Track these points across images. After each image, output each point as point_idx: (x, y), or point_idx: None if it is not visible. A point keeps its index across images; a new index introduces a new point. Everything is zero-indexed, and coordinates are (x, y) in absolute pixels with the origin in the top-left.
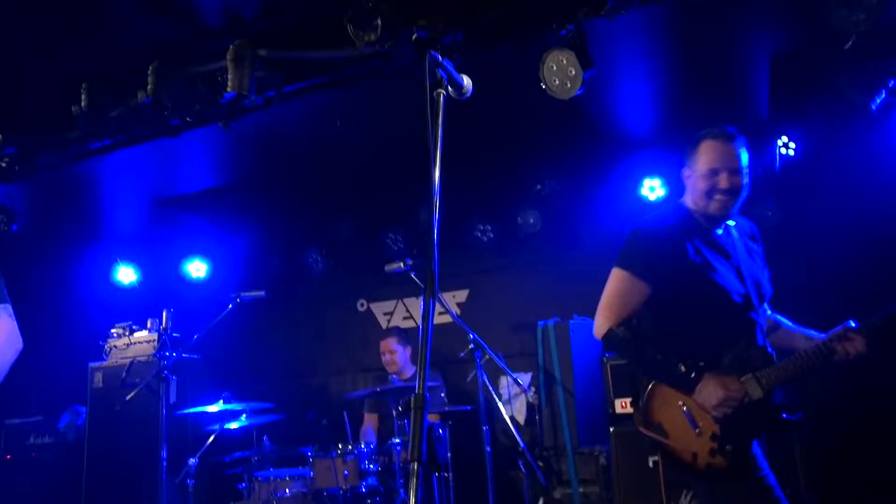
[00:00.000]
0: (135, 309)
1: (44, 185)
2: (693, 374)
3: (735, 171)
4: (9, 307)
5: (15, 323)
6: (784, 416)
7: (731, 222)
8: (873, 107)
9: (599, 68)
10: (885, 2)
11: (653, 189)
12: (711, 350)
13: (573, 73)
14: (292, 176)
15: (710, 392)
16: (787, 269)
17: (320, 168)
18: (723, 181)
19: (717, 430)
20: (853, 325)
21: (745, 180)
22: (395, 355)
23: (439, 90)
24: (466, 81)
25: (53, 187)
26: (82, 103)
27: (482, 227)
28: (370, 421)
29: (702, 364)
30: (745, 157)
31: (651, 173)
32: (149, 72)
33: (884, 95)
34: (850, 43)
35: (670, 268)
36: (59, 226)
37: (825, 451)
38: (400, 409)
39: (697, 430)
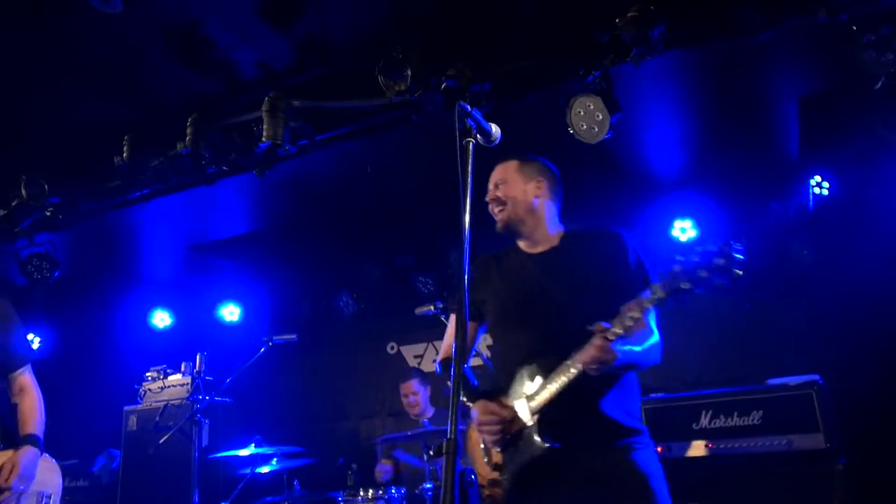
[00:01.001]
0: (169, 352)
1: (84, 232)
2: (471, 399)
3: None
4: (30, 366)
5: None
6: (549, 443)
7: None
8: None
9: (627, 112)
10: None
11: (684, 230)
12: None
13: (600, 117)
14: (323, 220)
15: (475, 417)
16: (823, 308)
17: (351, 212)
18: None
19: (499, 459)
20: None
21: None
22: (418, 396)
23: (468, 139)
24: (495, 129)
25: (93, 235)
26: (124, 154)
27: None
28: (387, 465)
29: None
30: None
31: (682, 215)
32: (188, 124)
33: None
34: (879, 84)
35: None
36: (98, 272)
37: None
38: (431, 453)
39: (486, 459)
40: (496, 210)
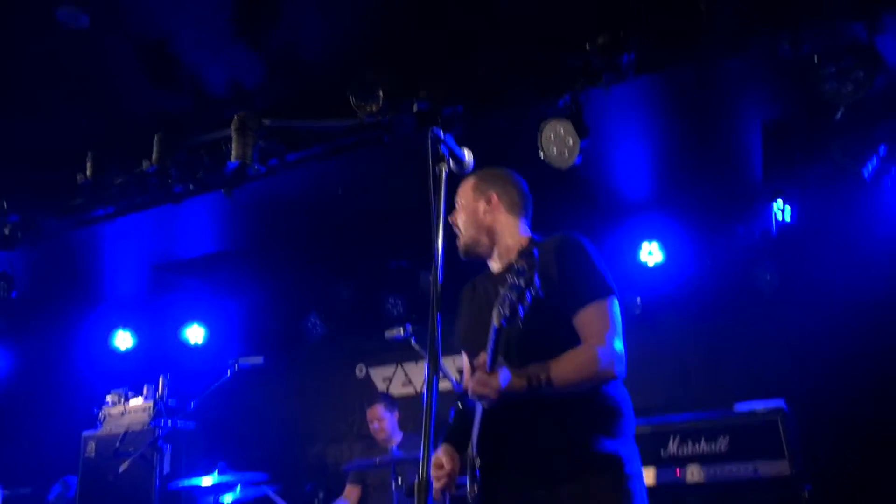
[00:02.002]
0: (131, 375)
1: (44, 250)
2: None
3: None
4: None
5: None
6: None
7: None
8: (865, 174)
9: (596, 135)
10: (871, 75)
11: (651, 253)
12: None
13: (571, 142)
14: (292, 241)
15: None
16: (787, 332)
17: (320, 233)
18: None
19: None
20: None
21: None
22: (384, 423)
23: (441, 165)
24: (467, 155)
25: (54, 253)
26: (87, 172)
27: None
28: (352, 493)
29: None
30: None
31: (649, 237)
32: (154, 141)
33: (875, 163)
34: (839, 114)
35: None
36: (58, 291)
37: None
38: (400, 484)
39: None
40: (457, 236)
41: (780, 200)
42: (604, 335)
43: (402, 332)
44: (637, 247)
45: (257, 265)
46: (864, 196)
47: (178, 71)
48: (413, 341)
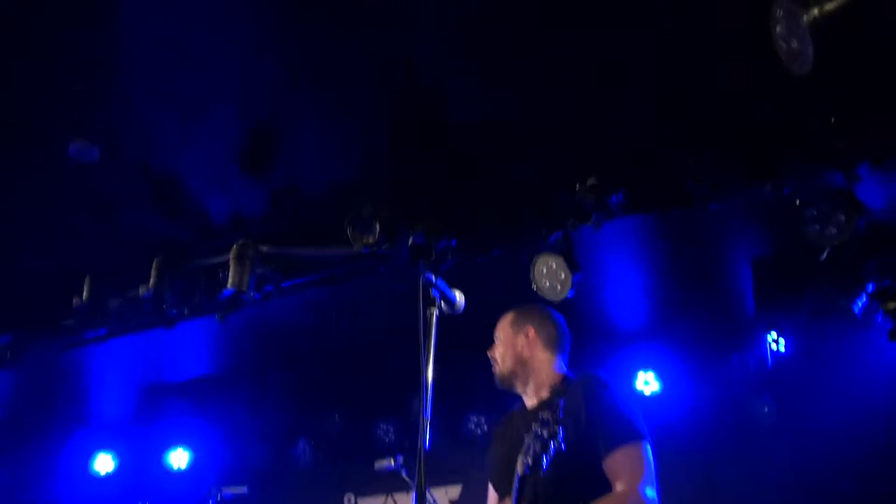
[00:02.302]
0: (111, 501)
1: (30, 370)
2: None
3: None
4: None
5: None
6: None
7: None
8: (856, 310)
9: (589, 268)
10: (852, 219)
11: (647, 383)
12: None
13: (563, 276)
14: (283, 365)
15: None
16: (787, 464)
17: (312, 358)
18: None
19: None
20: None
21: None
22: None
23: (432, 309)
24: (459, 298)
25: (38, 373)
26: (84, 295)
27: (476, 420)
28: None
29: None
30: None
31: (645, 366)
32: (153, 266)
33: (864, 299)
34: (825, 254)
35: None
36: (41, 412)
37: None
38: None
39: None
40: (493, 367)
41: (773, 332)
42: (635, 483)
43: (392, 463)
44: (633, 376)
45: (247, 389)
46: (856, 330)
47: (183, 201)
48: (404, 473)
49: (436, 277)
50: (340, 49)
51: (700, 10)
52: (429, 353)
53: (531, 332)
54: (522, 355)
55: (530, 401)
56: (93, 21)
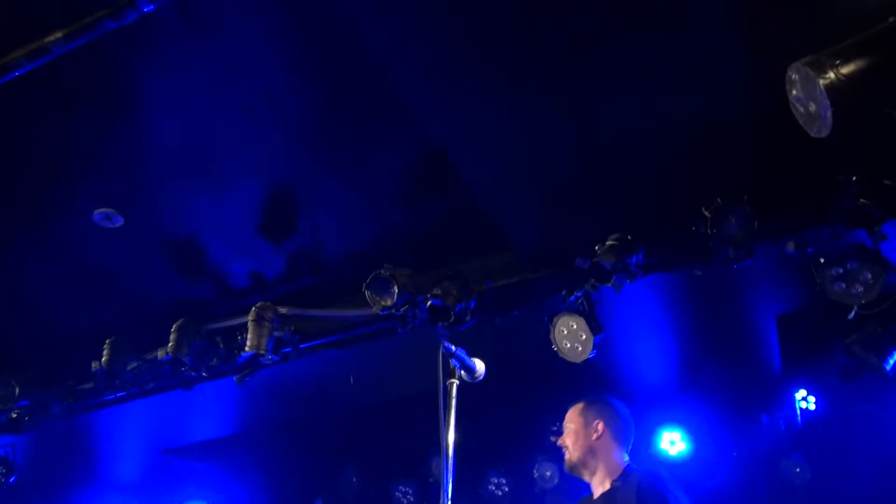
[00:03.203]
0: None
1: (48, 434)
2: None
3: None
4: None
5: None
6: None
7: None
8: (887, 368)
9: (610, 329)
10: (879, 278)
11: (673, 443)
12: None
13: (584, 337)
14: (301, 426)
15: None
16: None
17: (331, 418)
18: None
19: None
20: None
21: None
22: None
23: (452, 381)
24: (479, 367)
25: (57, 437)
26: (103, 359)
27: (496, 481)
28: None
29: None
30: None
31: (671, 426)
32: (172, 330)
33: None
34: (853, 314)
35: None
36: (58, 474)
37: None
38: None
39: None
40: (563, 454)
41: (802, 390)
42: None
43: None
44: (657, 435)
45: (264, 449)
46: (888, 388)
47: (204, 264)
48: None
49: (455, 347)
50: (357, 114)
51: (724, 72)
52: (449, 424)
53: (601, 425)
54: (592, 447)
55: (596, 490)
56: (123, 108)
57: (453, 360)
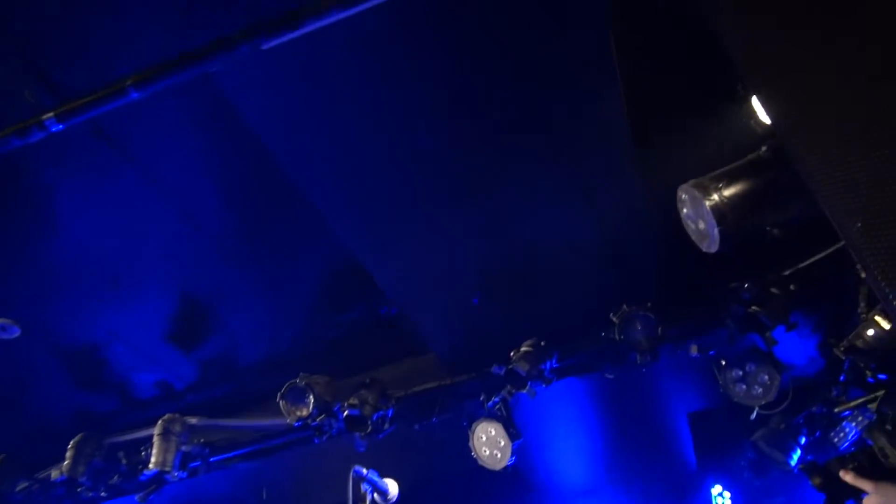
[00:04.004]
0: None
1: None
2: None
3: None
4: None
5: None
6: None
7: None
8: (791, 463)
9: (529, 430)
10: (775, 379)
11: None
12: None
13: (502, 443)
14: None
15: None
16: None
17: None
18: None
19: None
20: None
21: None
22: None
23: None
24: (392, 489)
25: None
26: None
27: None
28: None
29: None
30: None
31: None
32: (69, 446)
33: (799, 452)
34: (754, 414)
35: None
36: None
37: None
38: None
39: None
40: None
41: (718, 486)
42: None
43: None
44: None
45: None
46: (795, 483)
47: (107, 375)
48: None
49: (366, 470)
50: (271, 227)
51: (620, 193)
52: None
53: None
54: None
55: None
56: (31, 218)
57: (364, 485)
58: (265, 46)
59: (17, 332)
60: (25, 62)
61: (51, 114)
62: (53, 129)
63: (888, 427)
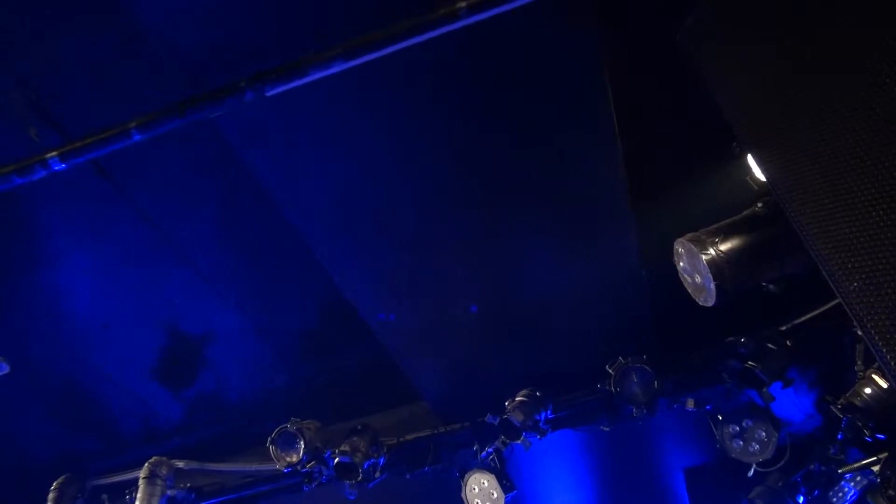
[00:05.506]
0: None
1: None
2: None
3: None
4: None
5: None
6: None
7: None
8: None
9: (523, 481)
10: (773, 436)
11: None
12: None
13: (495, 496)
14: None
15: None
16: None
17: None
18: None
19: None
20: None
21: None
22: None
23: None
24: None
25: None
26: None
27: None
28: None
29: None
30: None
31: None
32: (51, 488)
33: None
34: (751, 471)
35: None
36: None
37: None
38: None
39: None
40: None
41: None
42: None
43: None
44: None
45: None
46: None
47: (93, 414)
48: None
49: None
50: (266, 270)
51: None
52: None
53: None
54: None
55: None
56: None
57: None
58: (270, 94)
59: (5, 370)
60: (30, 100)
61: (54, 152)
62: (56, 168)
63: (891, 492)
